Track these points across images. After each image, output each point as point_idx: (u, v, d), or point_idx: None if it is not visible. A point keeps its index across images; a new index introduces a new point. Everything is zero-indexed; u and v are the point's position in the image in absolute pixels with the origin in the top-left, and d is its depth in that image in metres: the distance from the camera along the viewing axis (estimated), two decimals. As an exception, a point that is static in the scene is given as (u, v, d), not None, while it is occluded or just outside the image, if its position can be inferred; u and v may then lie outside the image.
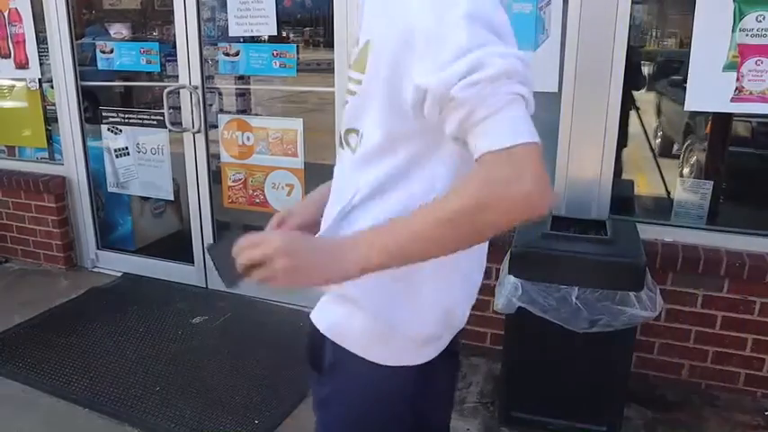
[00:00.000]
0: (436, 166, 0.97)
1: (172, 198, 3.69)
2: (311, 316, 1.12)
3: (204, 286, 3.58)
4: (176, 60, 3.29)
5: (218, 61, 3.25)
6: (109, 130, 3.68)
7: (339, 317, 1.08)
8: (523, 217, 0.84)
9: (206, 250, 3.12)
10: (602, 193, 2.60)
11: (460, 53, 0.83)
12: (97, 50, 3.55)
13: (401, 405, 1.12)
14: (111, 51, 3.51)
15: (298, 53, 3.09)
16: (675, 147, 2.86)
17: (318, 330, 1.10)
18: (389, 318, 1.03)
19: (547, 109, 2.73)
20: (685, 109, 2.47)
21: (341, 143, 1.09)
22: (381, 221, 0.91)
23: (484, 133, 0.83)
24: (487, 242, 1.04)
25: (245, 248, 0.92)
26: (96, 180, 3.82)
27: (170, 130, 3.43)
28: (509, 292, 2.14)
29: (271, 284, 0.90)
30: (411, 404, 1.13)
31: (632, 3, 2.40)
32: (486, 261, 1.15)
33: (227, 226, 3.50)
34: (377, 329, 1.04)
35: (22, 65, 3.78)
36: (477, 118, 0.83)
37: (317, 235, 1.07)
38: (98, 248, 3.91)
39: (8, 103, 4.00)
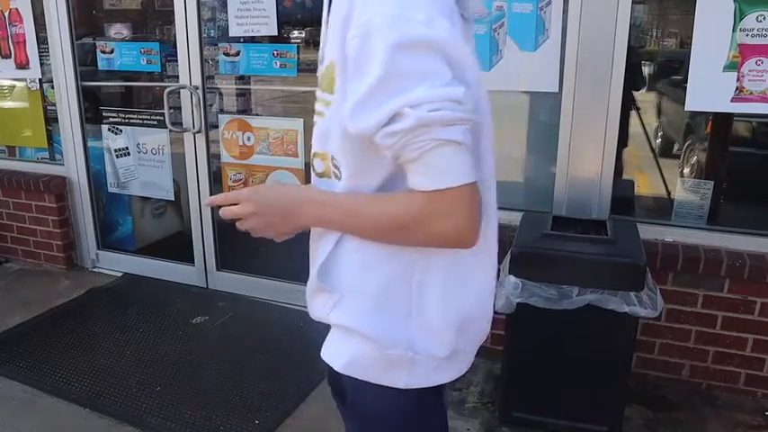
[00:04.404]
0: None
1: (172, 198, 3.69)
2: (322, 355, 1.10)
3: (204, 286, 3.59)
4: (177, 60, 3.30)
5: (218, 61, 3.26)
6: (109, 130, 3.68)
7: (352, 353, 1.04)
8: (446, 246, 0.92)
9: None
10: (603, 193, 2.60)
11: (378, 98, 0.83)
12: (97, 50, 3.56)
13: (433, 425, 1.13)
14: (112, 51, 3.51)
15: (298, 53, 3.09)
16: (676, 147, 2.85)
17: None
18: (402, 342, 1.01)
19: (547, 109, 2.74)
20: (686, 109, 2.47)
21: (319, 171, 1.07)
22: (334, 195, 1.00)
23: (413, 172, 0.87)
24: (495, 246, 1.05)
25: (225, 205, 1.06)
26: (97, 180, 3.82)
27: (170, 131, 3.43)
28: (508, 291, 2.14)
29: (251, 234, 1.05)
30: (441, 421, 1.15)
31: (632, 3, 2.40)
32: (497, 262, 1.11)
33: (228, 226, 3.50)
34: (393, 356, 1.01)
35: (23, 65, 3.78)
36: (403, 160, 0.87)
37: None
38: (98, 248, 3.91)
39: (9, 104, 4.00)
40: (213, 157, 3.39)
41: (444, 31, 0.82)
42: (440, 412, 1.14)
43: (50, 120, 3.85)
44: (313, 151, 1.07)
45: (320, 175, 1.06)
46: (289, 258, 3.57)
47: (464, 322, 1.04)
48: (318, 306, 1.08)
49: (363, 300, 1.02)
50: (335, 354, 1.07)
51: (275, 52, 3.10)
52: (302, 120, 3.16)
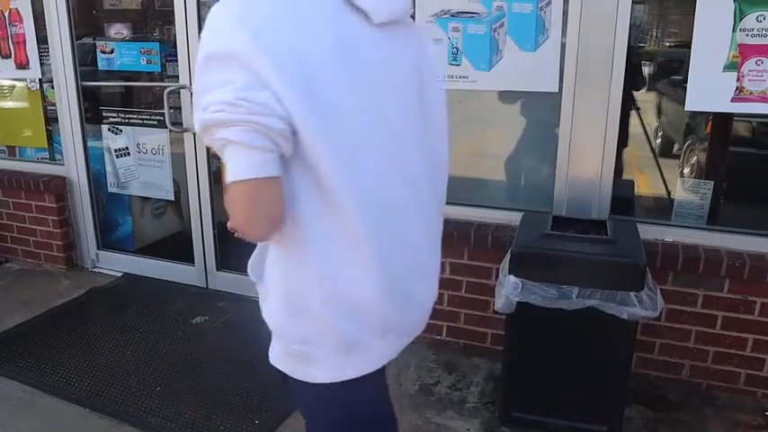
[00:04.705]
0: (292, 169, 1.00)
1: (172, 198, 3.68)
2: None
3: (204, 286, 3.58)
4: (177, 60, 3.30)
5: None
6: (109, 130, 3.68)
7: (274, 346, 1.16)
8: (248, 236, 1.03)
9: None
10: (603, 193, 2.60)
11: (196, 104, 0.96)
12: (97, 50, 3.56)
13: (364, 418, 1.18)
14: (112, 51, 3.51)
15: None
16: (676, 147, 2.85)
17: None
18: (298, 339, 1.10)
19: (547, 109, 2.73)
20: (686, 109, 2.47)
21: None
22: None
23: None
24: (380, 242, 1.07)
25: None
26: (97, 180, 3.82)
27: (170, 131, 3.43)
28: (508, 291, 2.14)
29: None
30: (374, 413, 1.21)
31: (632, 3, 2.40)
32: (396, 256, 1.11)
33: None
34: (296, 351, 1.11)
35: (23, 65, 3.78)
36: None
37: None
38: (98, 248, 3.91)
39: (9, 104, 4.00)
40: (213, 157, 3.39)
41: (239, 43, 0.91)
42: (371, 405, 1.19)
43: (50, 120, 3.85)
44: None
45: None
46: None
47: (353, 315, 1.07)
48: (259, 295, 1.18)
49: (275, 299, 1.11)
50: (271, 346, 1.18)
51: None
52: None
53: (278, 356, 1.15)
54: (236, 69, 0.91)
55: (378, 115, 1.05)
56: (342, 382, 1.11)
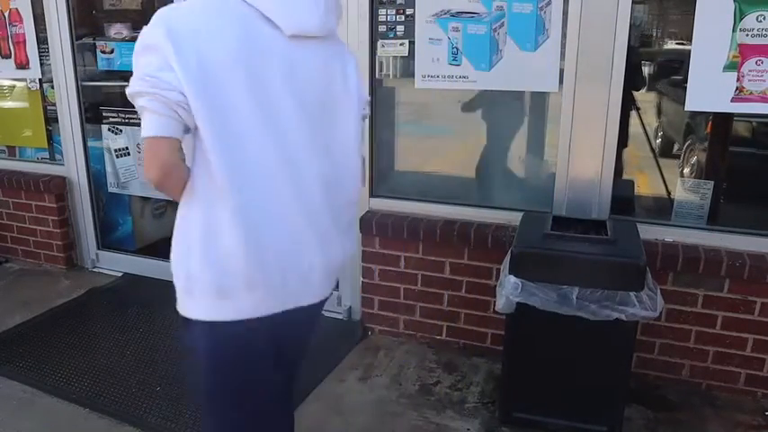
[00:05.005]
0: (194, 139, 1.29)
1: (172, 198, 3.68)
2: None
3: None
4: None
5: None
6: (109, 130, 3.68)
7: (176, 289, 1.40)
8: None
9: None
10: (603, 193, 2.60)
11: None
12: (97, 50, 3.56)
13: (230, 355, 1.40)
14: (112, 51, 3.51)
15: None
16: (676, 147, 2.85)
17: None
18: (184, 275, 1.34)
19: (547, 109, 2.74)
20: (686, 109, 2.47)
21: None
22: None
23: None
24: (291, 216, 1.33)
25: None
26: (97, 180, 3.82)
27: (170, 131, 3.42)
28: (509, 291, 2.14)
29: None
30: (240, 355, 1.40)
31: (632, 3, 2.40)
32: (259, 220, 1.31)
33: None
34: (183, 288, 1.36)
35: (23, 65, 3.78)
36: None
37: None
38: (98, 248, 3.91)
39: (9, 104, 4.00)
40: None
41: (158, 37, 1.21)
42: (240, 352, 1.39)
43: (50, 120, 3.85)
44: None
45: None
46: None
47: (221, 261, 1.29)
48: None
49: (175, 244, 1.38)
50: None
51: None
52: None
53: (178, 297, 1.39)
54: (154, 55, 1.22)
55: (270, 115, 1.29)
56: (212, 323, 1.34)
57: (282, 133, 1.31)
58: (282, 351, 1.49)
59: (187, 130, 1.26)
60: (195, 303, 1.35)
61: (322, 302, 1.52)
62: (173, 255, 1.37)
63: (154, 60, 1.21)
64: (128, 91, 1.26)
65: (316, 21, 1.33)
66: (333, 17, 1.40)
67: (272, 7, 1.28)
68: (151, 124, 1.24)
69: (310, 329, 1.62)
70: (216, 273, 1.30)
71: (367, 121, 2.93)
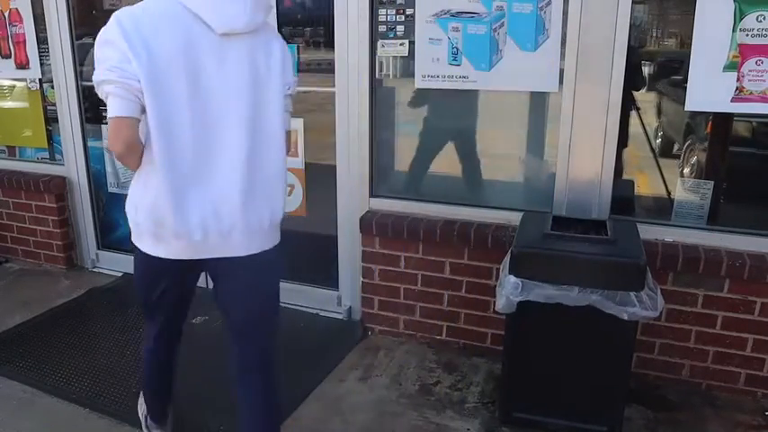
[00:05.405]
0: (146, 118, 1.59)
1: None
2: None
3: (204, 286, 3.57)
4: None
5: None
6: (109, 130, 3.68)
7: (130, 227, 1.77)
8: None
9: None
10: (603, 193, 2.60)
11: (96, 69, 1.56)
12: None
13: (152, 274, 1.82)
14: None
15: (298, 53, 3.08)
16: (676, 147, 2.85)
17: None
18: (134, 221, 1.70)
19: (547, 109, 2.74)
20: (686, 109, 2.47)
21: None
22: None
23: None
24: (171, 170, 1.60)
25: None
26: (97, 180, 3.82)
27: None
28: (509, 291, 2.14)
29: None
30: (163, 278, 1.82)
31: (632, 3, 2.40)
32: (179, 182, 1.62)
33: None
34: (134, 229, 1.72)
35: (23, 65, 3.78)
36: None
37: None
38: (98, 248, 3.91)
39: (9, 104, 4.00)
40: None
41: (115, 35, 1.51)
42: (163, 274, 1.80)
43: (50, 120, 3.85)
44: None
45: None
46: (288, 258, 3.57)
47: (156, 215, 1.63)
48: None
49: (129, 198, 1.73)
50: None
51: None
52: (302, 120, 3.15)
53: (131, 231, 1.76)
54: (114, 50, 1.51)
55: (199, 97, 1.58)
56: (148, 254, 1.72)
57: (212, 116, 1.61)
58: (230, 305, 1.92)
59: (143, 110, 1.54)
60: (141, 241, 1.73)
61: (253, 258, 1.75)
62: (126, 207, 1.73)
63: (114, 54, 1.50)
64: (94, 79, 1.53)
65: (242, 21, 1.60)
66: (260, 14, 1.65)
67: (205, 10, 1.56)
68: (116, 107, 1.53)
69: (254, 286, 1.85)
70: (154, 226, 1.65)
71: (366, 121, 2.94)
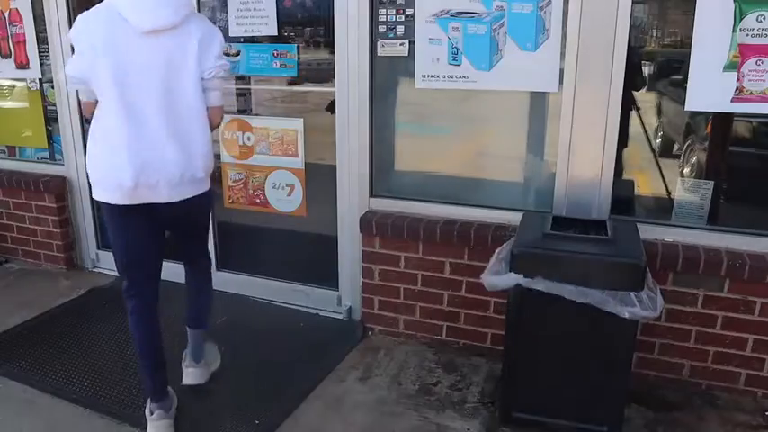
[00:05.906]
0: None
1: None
2: None
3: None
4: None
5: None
6: (109, 130, 3.68)
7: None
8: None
9: None
10: (603, 193, 2.60)
11: None
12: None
13: (115, 221, 2.21)
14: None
15: (298, 53, 3.09)
16: (676, 147, 2.85)
17: None
18: (90, 173, 2.15)
19: (547, 109, 2.73)
20: (686, 109, 2.47)
21: None
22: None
23: None
24: (128, 133, 2.07)
25: None
26: (97, 180, 3.82)
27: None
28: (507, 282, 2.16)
29: None
30: (122, 223, 2.21)
31: (632, 3, 2.40)
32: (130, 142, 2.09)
33: (228, 226, 3.49)
34: (91, 179, 2.15)
35: (23, 65, 3.78)
36: None
37: None
38: (98, 248, 3.91)
39: (9, 104, 4.00)
40: (213, 157, 3.38)
41: (75, 35, 2.07)
42: (125, 220, 2.18)
43: (50, 120, 3.85)
44: None
45: None
46: (288, 258, 3.58)
47: (102, 176, 2.11)
48: None
49: (88, 154, 2.17)
50: None
51: (275, 52, 3.10)
52: (302, 120, 3.16)
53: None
54: (76, 46, 2.05)
55: (122, 76, 2.02)
56: (101, 201, 2.15)
57: (137, 97, 2.04)
58: (175, 231, 2.44)
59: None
60: (95, 190, 2.16)
61: (186, 201, 2.19)
62: (87, 162, 2.16)
63: (77, 51, 2.07)
64: (66, 73, 2.12)
65: (163, 20, 2.04)
66: (183, 10, 2.08)
67: (130, 12, 2.01)
68: (83, 95, 2.18)
69: (192, 216, 2.40)
70: (100, 179, 2.11)
71: (366, 121, 2.94)
